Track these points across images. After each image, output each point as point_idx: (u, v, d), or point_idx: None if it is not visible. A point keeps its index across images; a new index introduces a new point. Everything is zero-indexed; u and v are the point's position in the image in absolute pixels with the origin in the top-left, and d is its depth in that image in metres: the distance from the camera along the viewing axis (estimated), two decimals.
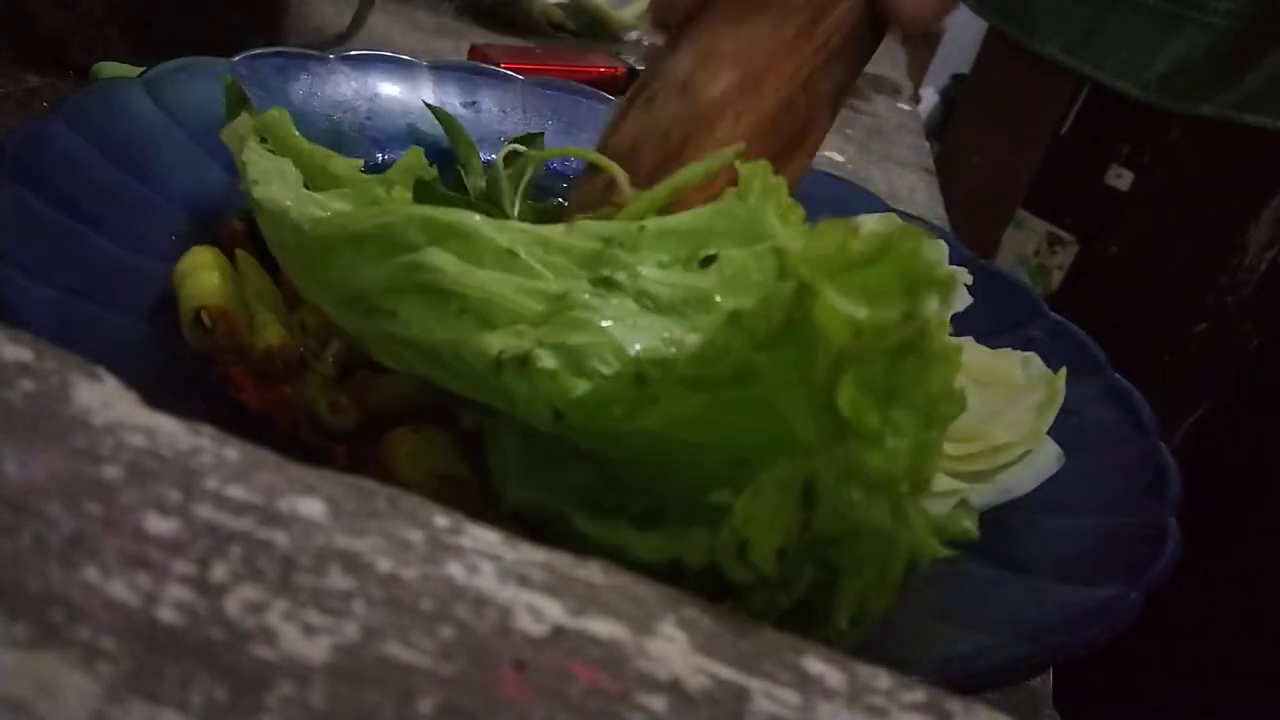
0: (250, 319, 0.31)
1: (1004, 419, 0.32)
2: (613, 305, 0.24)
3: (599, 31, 0.85)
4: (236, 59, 0.42)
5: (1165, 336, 1.36)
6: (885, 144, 0.84)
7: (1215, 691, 0.75)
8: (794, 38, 0.34)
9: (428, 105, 0.41)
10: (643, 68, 0.70)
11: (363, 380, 0.30)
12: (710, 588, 0.19)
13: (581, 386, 0.22)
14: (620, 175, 0.31)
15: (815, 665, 0.14)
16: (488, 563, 0.15)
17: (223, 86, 0.37)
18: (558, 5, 0.82)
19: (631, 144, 0.35)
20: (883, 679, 0.14)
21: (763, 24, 0.34)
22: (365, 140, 0.45)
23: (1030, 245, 1.50)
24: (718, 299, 0.24)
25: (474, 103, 0.49)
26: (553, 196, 0.43)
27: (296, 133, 0.36)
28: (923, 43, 1.88)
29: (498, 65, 0.53)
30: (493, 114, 0.49)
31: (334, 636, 0.13)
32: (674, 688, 0.13)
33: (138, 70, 0.38)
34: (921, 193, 0.75)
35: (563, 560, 0.15)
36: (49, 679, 0.11)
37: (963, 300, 0.41)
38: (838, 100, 0.37)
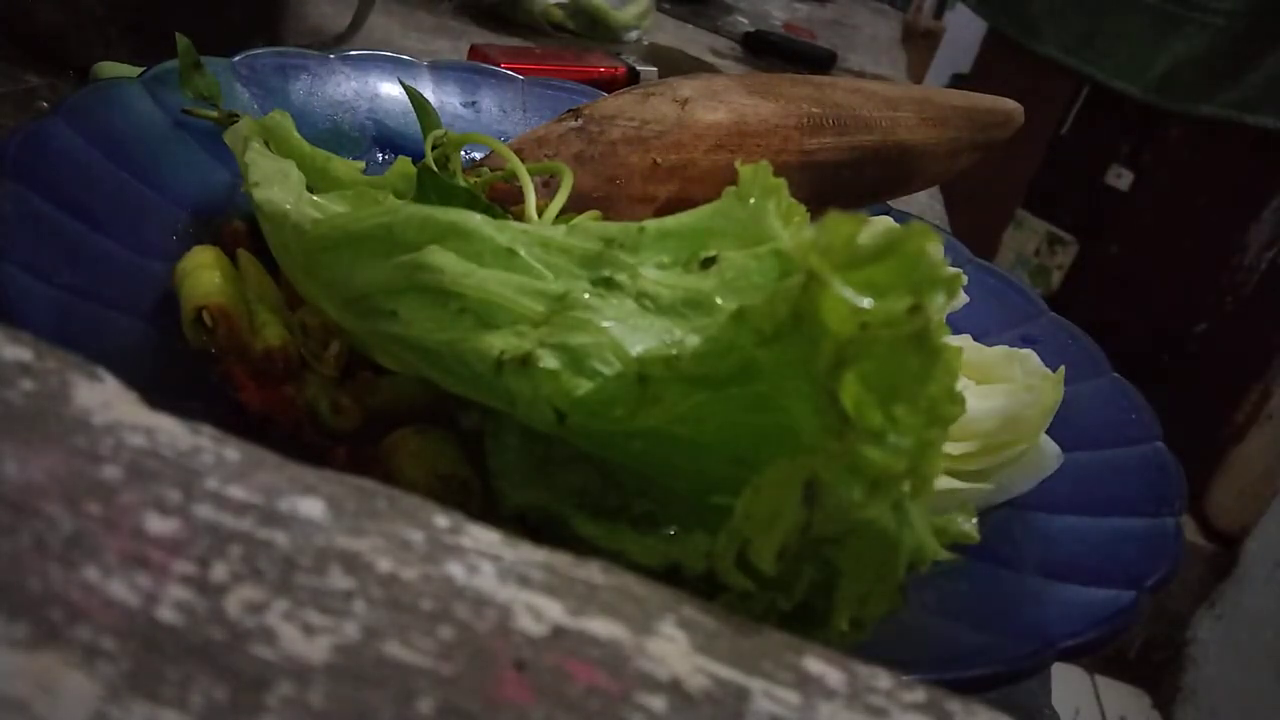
0: (251, 319, 0.31)
1: (1003, 418, 0.32)
2: (613, 306, 0.24)
3: (599, 31, 0.85)
4: (236, 59, 0.42)
5: (1165, 336, 1.36)
6: None
7: None
8: (791, 128, 0.39)
9: (402, 84, 0.41)
10: (643, 68, 0.70)
11: (364, 381, 0.30)
12: (709, 593, 0.19)
13: (583, 386, 0.22)
14: (525, 178, 0.33)
15: (815, 665, 0.14)
16: (488, 563, 0.15)
17: (179, 48, 0.37)
18: (558, 5, 0.82)
19: (614, 113, 0.37)
20: (883, 679, 0.14)
21: (771, 105, 0.39)
22: (366, 140, 0.45)
23: (1030, 245, 1.50)
24: (718, 301, 0.24)
25: (474, 103, 0.49)
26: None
27: (298, 135, 0.36)
28: (923, 42, 1.88)
29: (498, 65, 0.53)
30: (493, 114, 0.49)
31: (334, 636, 0.13)
32: (674, 688, 0.13)
33: (138, 70, 0.38)
34: (921, 192, 0.74)
35: (562, 560, 0.15)
36: (49, 679, 0.11)
37: (960, 300, 0.42)
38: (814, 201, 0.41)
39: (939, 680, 0.21)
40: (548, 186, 0.35)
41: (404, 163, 0.37)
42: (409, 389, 0.30)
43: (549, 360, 0.23)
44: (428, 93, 0.45)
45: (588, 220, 0.32)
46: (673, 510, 0.24)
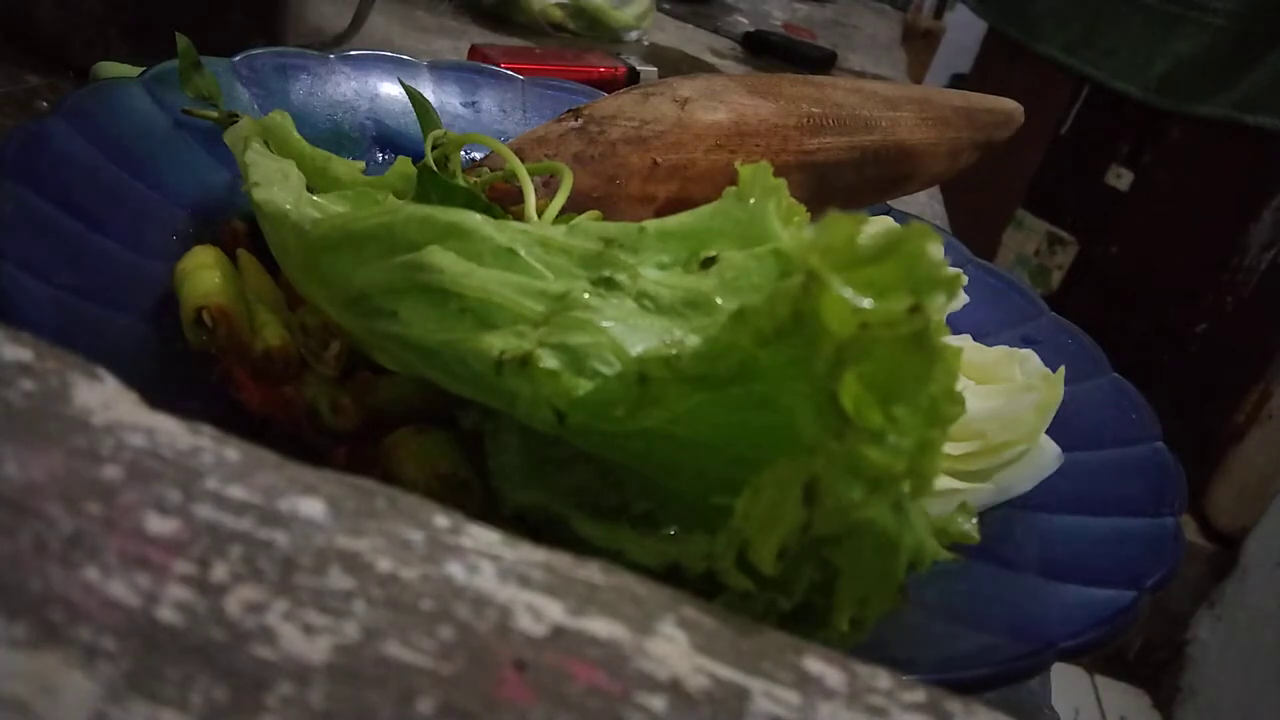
0: (251, 319, 0.31)
1: (1003, 418, 0.32)
2: (613, 305, 0.24)
3: (599, 31, 0.85)
4: (236, 59, 0.42)
5: (1165, 336, 1.36)
6: None
7: None
8: (791, 128, 0.39)
9: (402, 84, 0.41)
10: (643, 68, 0.70)
11: (363, 381, 0.30)
12: (709, 593, 0.19)
13: (583, 386, 0.22)
14: (525, 178, 0.33)
15: (815, 665, 0.14)
16: (488, 563, 0.15)
17: (179, 48, 0.37)
18: (558, 5, 0.82)
19: (614, 113, 0.37)
20: (883, 679, 0.14)
21: (771, 105, 0.39)
22: (366, 140, 0.45)
23: (1030, 245, 1.50)
24: (718, 301, 0.24)
25: (474, 103, 0.49)
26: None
27: (298, 135, 0.36)
28: (923, 43, 1.88)
29: (498, 65, 0.53)
30: (493, 114, 0.49)
31: (334, 636, 0.13)
32: (674, 688, 0.13)
33: (138, 70, 0.38)
34: (921, 192, 0.74)
35: (563, 560, 0.15)
36: (49, 679, 0.11)
37: (960, 300, 0.42)
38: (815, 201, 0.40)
39: (939, 680, 0.21)
40: (548, 186, 0.35)
41: (404, 163, 0.37)
42: (409, 389, 0.30)
43: (549, 360, 0.23)
44: (428, 93, 0.45)
45: (588, 220, 0.32)
46: (673, 510, 0.24)
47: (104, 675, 0.12)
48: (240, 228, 0.36)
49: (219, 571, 0.13)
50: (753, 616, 0.18)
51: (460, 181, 0.34)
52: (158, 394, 0.16)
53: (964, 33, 1.81)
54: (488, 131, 0.47)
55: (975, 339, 0.40)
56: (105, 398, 0.15)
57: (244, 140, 0.33)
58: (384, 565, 0.14)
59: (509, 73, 0.51)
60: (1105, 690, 1.55)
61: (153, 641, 0.12)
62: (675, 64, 0.85)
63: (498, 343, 0.23)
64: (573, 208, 0.34)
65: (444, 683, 0.13)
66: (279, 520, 0.14)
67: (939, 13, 2.04)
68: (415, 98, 0.39)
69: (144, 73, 0.38)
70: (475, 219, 0.25)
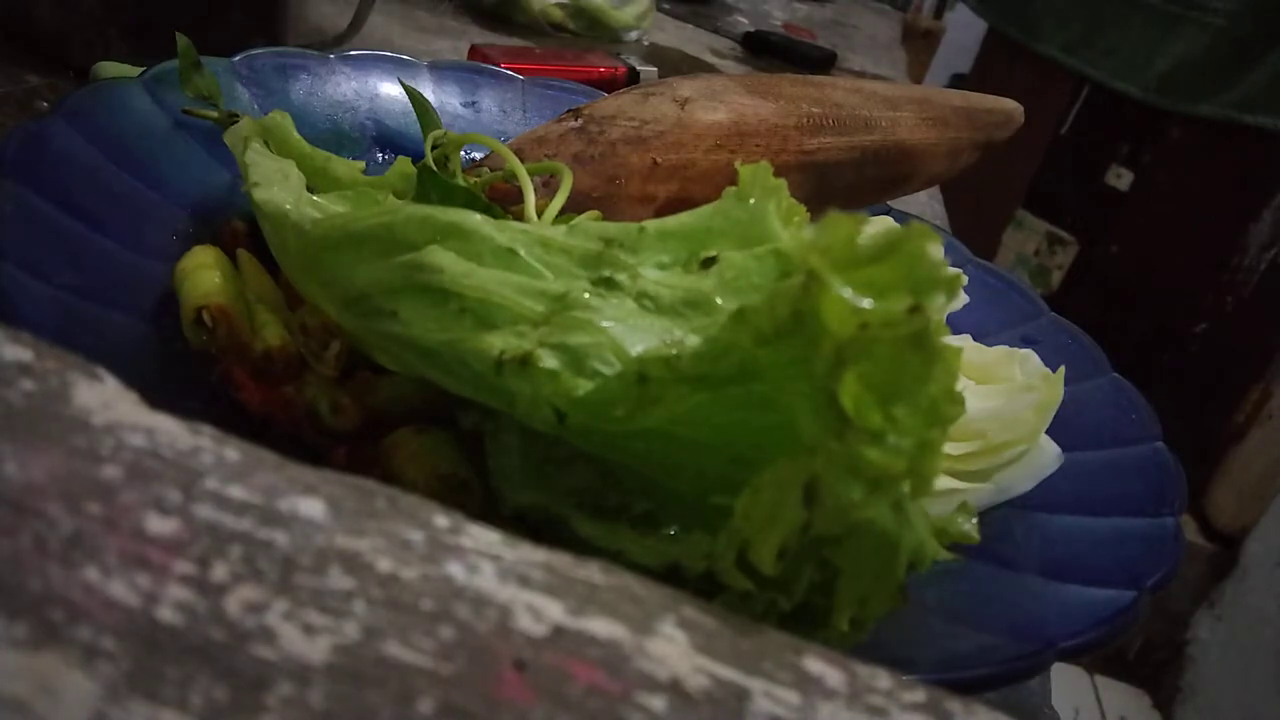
0: (251, 319, 0.31)
1: (1003, 418, 0.32)
2: (613, 305, 0.24)
3: (599, 31, 0.85)
4: (236, 59, 0.42)
5: (1165, 336, 1.36)
6: None
7: None
8: (791, 128, 0.39)
9: (402, 84, 0.41)
10: (643, 68, 0.70)
11: (363, 381, 0.30)
12: (709, 593, 0.19)
13: (583, 386, 0.22)
14: (525, 178, 0.33)
15: (815, 665, 0.14)
16: (488, 563, 0.15)
17: (179, 48, 0.37)
18: (558, 5, 0.82)
19: (614, 113, 0.37)
20: (883, 679, 0.14)
21: (771, 105, 0.39)
22: (366, 140, 0.45)
23: (1030, 245, 1.50)
24: (718, 301, 0.24)
25: (474, 103, 0.49)
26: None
27: (298, 135, 0.37)
28: (923, 43, 1.88)
29: (498, 65, 0.53)
30: (493, 114, 0.49)
31: (334, 636, 0.13)
32: (674, 688, 0.13)
33: (138, 70, 0.38)
34: (921, 192, 0.74)
35: (563, 560, 0.15)
36: (49, 679, 0.11)
37: (960, 300, 0.42)
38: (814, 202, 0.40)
39: (939, 680, 0.21)
40: (548, 186, 0.35)
41: (404, 163, 0.37)
42: (409, 389, 0.30)
43: (549, 360, 0.23)
44: (428, 93, 0.45)
45: (588, 220, 0.32)
46: (673, 510, 0.24)
47: (104, 675, 0.12)
48: (240, 228, 0.36)
49: (219, 571, 0.13)
50: (753, 616, 0.18)
51: (460, 181, 0.34)
52: (158, 394, 0.16)
53: (964, 33, 1.81)
54: (488, 131, 0.47)
55: (975, 339, 0.40)
56: (105, 398, 0.15)
57: (244, 140, 0.33)
58: (384, 565, 0.14)
59: (509, 73, 0.51)
60: (1105, 690, 1.55)
61: (153, 641, 0.12)
62: (675, 64, 0.85)
63: (498, 343, 0.23)
64: (573, 208, 0.34)
65: (444, 683, 0.13)
66: (279, 520, 0.14)
67: (939, 13, 2.04)
68: (415, 98, 0.39)
69: (144, 73, 0.38)
70: (475, 219, 0.25)
